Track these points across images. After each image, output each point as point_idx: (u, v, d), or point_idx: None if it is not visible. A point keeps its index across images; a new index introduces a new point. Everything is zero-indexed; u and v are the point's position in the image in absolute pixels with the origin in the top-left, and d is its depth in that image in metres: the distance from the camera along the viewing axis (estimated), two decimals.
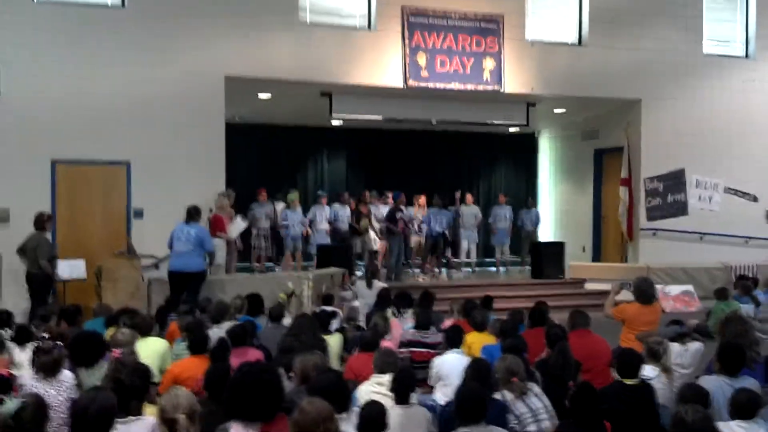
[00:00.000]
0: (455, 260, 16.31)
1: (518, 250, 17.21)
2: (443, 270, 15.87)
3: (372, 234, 14.96)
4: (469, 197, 16.21)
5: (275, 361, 6.56)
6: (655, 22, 15.45)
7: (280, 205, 14.78)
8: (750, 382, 5.38)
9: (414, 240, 15.70)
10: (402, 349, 7.23)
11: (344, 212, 14.98)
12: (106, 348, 6.09)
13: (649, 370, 5.84)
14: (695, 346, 7.11)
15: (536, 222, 17.17)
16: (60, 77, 11.60)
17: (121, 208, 11.97)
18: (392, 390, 5.17)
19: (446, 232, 15.51)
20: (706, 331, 10.44)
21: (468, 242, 15.96)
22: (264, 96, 14.24)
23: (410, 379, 5.30)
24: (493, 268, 16.66)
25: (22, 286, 10.43)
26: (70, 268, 10.73)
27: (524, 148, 19.59)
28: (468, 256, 16.09)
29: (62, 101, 11.56)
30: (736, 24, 16.59)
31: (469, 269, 16.26)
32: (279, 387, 4.60)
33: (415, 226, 15.53)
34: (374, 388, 5.46)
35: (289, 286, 11.08)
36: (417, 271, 15.85)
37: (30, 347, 6.34)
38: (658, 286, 9.42)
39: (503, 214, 16.47)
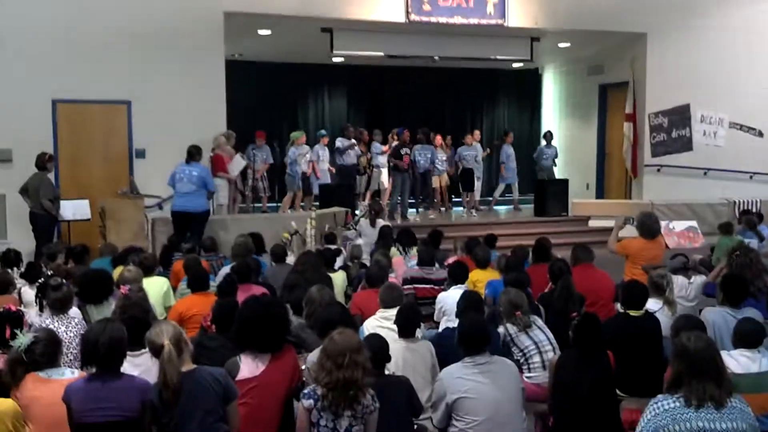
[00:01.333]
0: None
1: (529, 189, 17.05)
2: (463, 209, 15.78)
3: (384, 172, 14.91)
4: (468, 138, 15.92)
5: (281, 297, 6.62)
6: None
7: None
8: (753, 313, 5.42)
9: (436, 179, 15.38)
10: (406, 286, 7.25)
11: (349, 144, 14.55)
12: (114, 285, 6.15)
13: (652, 303, 5.87)
14: (700, 279, 7.14)
15: (555, 157, 16.64)
16: (60, 13, 11.44)
17: (123, 148, 11.93)
18: (396, 323, 5.22)
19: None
20: (710, 266, 10.50)
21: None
22: (264, 32, 14.06)
23: (414, 314, 5.34)
24: (501, 207, 16.58)
25: (27, 226, 10.45)
26: (73, 208, 10.76)
27: (528, 85, 19.40)
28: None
29: (61, 40, 11.42)
30: None
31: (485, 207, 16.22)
32: (286, 319, 4.72)
33: (440, 165, 15.28)
34: (380, 323, 5.51)
35: (292, 225, 11.11)
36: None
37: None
38: (662, 223, 9.42)
39: (512, 154, 16.14)
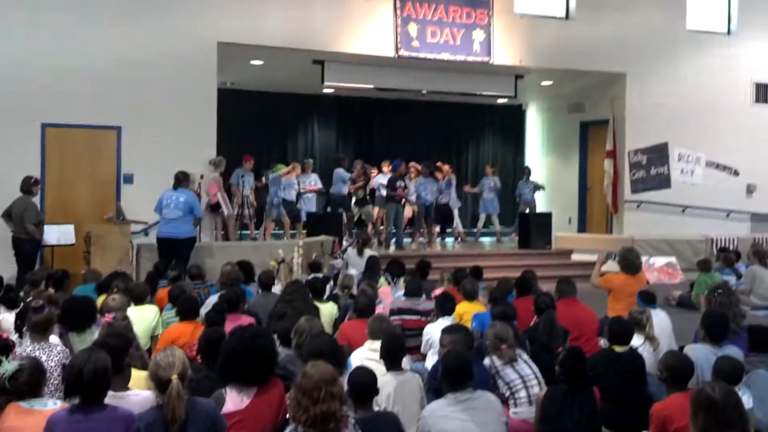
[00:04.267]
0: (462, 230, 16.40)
1: (510, 221, 17.20)
2: (449, 240, 15.91)
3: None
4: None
5: (267, 326, 6.61)
6: None
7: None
8: (733, 351, 5.50)
9: (408, 209, 15.59)
10: (393, 317, 7.24)
11: (345, 176, 14.79)
12: (98, 313, 6.11)
13: (634, 339, 5.91)
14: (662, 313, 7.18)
15: (535, 190, 16.82)
16: (54, 39, 11.52)
17: (111, 173, 11.94)
18: (382, 357, 5.19)
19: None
20: (689, 302, 10.64)
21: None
22: (256, 62, 14.19)
23: (399, 344, 5.29)
24: (486, 238, 16.70)
25: (9, 251, 10.34)
26: (58, 233, 10.68)
27: (512, 120, 19.66)
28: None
29: (55, 64, 11.47)
30: (719, 1, 16.63)
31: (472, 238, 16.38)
32: (273, 351, 4.62)
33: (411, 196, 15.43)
34: (369, 355, 5.48)
35: (279, 253, 11.11)
36: (408, 240, 15.73)
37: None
38: (642, 258, 9.52)
39: (490, 184, 16.43)
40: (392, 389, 4.94)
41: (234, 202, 13.51)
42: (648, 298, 7.25)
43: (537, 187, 16.75)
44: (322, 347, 4.81)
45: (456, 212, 16.16)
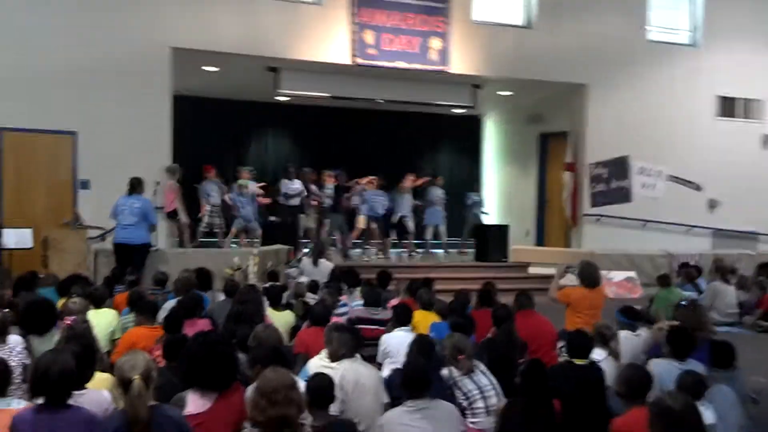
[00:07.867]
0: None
1: (460, 233, 17.25)
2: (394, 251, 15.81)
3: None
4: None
5: (225, 328, 6.61)
6: (602, 7, 15.54)
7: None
8: (697, 366, 5.55)
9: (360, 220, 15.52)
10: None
11: (293, 186, 14.58)
12: (58, 316, 6.06)
13: (597, 353, 5.96)
14: (645, 331, 7.20)
15: (481, 205, 16.99)
16: (8, 44, 11.44)
17: (68, 178, 11.91)
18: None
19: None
20: (649, 318, 10.75)
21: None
22: (210, 69, 14.10)
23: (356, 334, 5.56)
24: (436, 251, 16.68)
25: None
26: (16, 237, 10.63)
27: (469, 131, 19.73)
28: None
29: (10, 69, 11.40)
30: (683, 12, 16.75)
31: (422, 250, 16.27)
32: (234, 357, 4.69)
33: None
34: (325, 362, 5.50)
35: (235, 261, 11.09)
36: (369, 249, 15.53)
37: None
38: (602, 272, 9.61)
39: (438, 195, 16.25)
40: (354, 376, 5.10)
41: (207, 213, 13.36)
42: (631, 314, 7.21)
43: (479, 205, 16.75)
44: (266, 355, 4.87)
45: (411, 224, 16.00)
